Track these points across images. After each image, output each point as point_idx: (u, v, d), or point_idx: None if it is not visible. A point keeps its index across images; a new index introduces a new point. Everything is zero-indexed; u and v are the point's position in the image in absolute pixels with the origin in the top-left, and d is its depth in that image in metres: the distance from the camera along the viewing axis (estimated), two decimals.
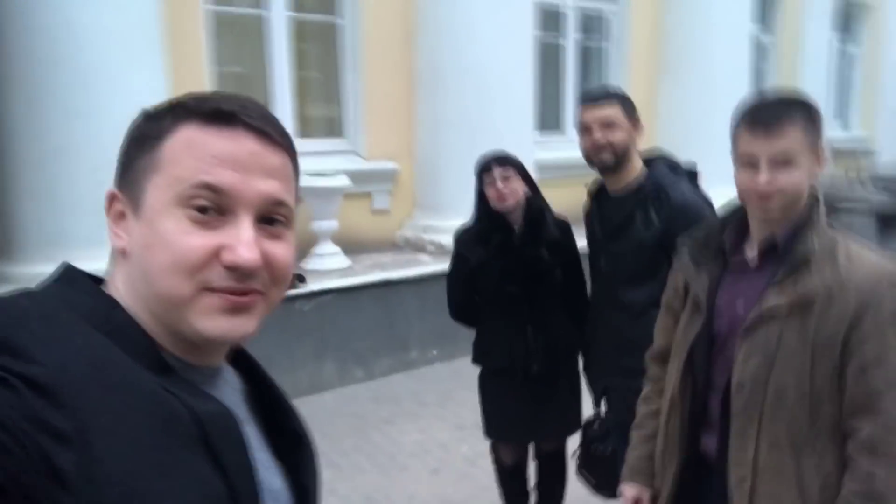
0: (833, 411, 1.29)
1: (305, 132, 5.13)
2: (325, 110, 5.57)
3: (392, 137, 5.32)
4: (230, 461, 0.61)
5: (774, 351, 1.31)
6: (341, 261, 4.56)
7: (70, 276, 0.65)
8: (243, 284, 0.62)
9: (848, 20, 9.74)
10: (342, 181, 4.42)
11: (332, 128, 5.40)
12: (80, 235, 3.39)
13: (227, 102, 0.64)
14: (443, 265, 4.70)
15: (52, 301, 0.60)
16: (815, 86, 8.31)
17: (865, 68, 9.99)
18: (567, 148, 6.41)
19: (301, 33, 5.19)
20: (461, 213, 4.86)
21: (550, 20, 6.38)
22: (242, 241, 0.61)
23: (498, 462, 2.58)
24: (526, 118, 5.28)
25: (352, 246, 4.76)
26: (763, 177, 1.29)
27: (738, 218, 1.46)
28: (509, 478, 2.58)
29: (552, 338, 2.33)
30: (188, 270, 0.61)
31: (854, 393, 1.26)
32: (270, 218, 0.65)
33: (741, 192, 1.36)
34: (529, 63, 5.29)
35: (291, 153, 0.69)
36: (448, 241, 4.83)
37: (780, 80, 8.51)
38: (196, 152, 0.62)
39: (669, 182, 2.01)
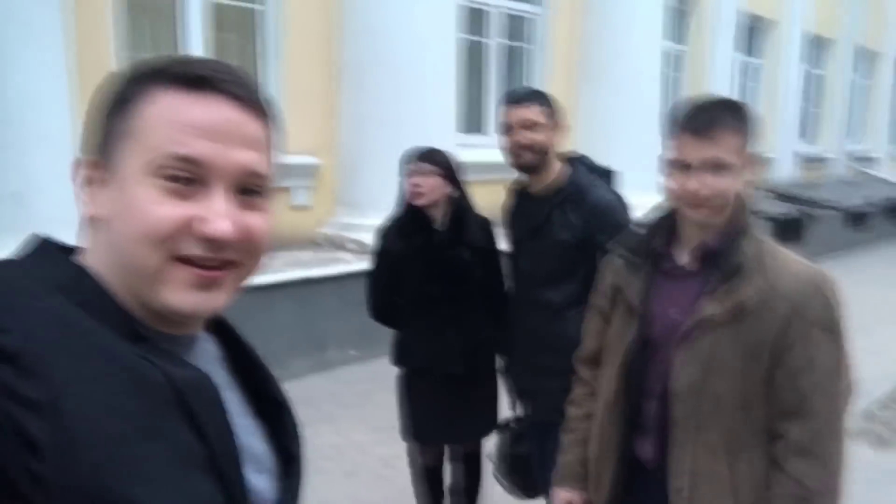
0: (763, 416, 1.30)
1: None
2: None
3: (314, 131, 5.17)
4: (208, 425, 0.59)
5: (710, 359, 1.31)
6: None
7: (39, 247, 0.63)
8: (216, 255, 0.61)
9: (751, 34, 10.31)
10: None
11: None
12: None
13: (206, 67, 0.62)
14: (363, 264, 4.63)
15: (19, 270, 0.58)
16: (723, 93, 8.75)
17: (767, 81, 10.61)
18: (489, 149, 6.48)
19: (218, 19, 4.97)
20: (383, 212, 4.80)
21: (474, 20, 6.41)
22: (217, 213, 0.60)
23: (414, 464, 2.55)
24: (448, 118, 5.28)
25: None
26: (694, 181, 1.29)
27: (668, 222, 1.46)
28: (426, 479, 2.56)
29: (472, 338, 2.31)
30: (157, 241, 0.59)
31: (783, 397, 1.28)
32: (247, 188, 0.63)
33: (672, 196, 1.36)
34: (453, 62, 5.29)
35: (271, 120, 0.67)
36: (369, 239, 4.78)
37: (691, 90, 8.91)
38: (171, 120, 0.59)
39: (588, 183, 2.04)
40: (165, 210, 0.59)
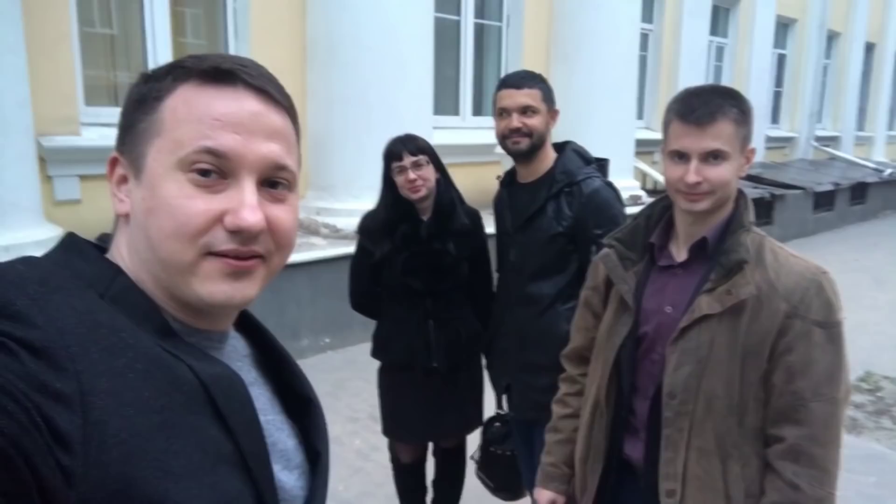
0: (757, 418, 1.27)
1: None
2: None
3: None
4: (236, 421, 0.60)
5: (706, 358, 1.27)
6: None
7: (71, 244, 0.64)
8: (246, 247, 0.62)
9: (717, 13, 10.32)
10: None
11: None
12: None
13: (226, 61, 0.63)
14: (337, 249, 4.56)
15: (51, 267, 0.59)
16: (693, 76, 8.77)
17: (734, 61, 10.66)
18: (463, 130, 6.39)
19: None
20: (356, 195, 4.70)
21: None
22: (246, 205, 0.61)
23: (395, 460, 2.49)
24: (425, 99, 5.15)
25: None
26: (693, 171, 1.25)
27: (664, 215, 1.42)
28: (407, 475, 2.50)
29: (455, 333, 2.24)
30: (191, 235, 0.60)
31: (779, 400, 1.24)
32: (273, 181, 0.65)
33: (669, 186, 1.32)
34: (429, 40, 5.16)
35: (292, 114, 0.68)
36: (343, 224, 4.68)
37: (661, 71, 8.91)
38: (197, 113, 0.61)
39: (581, 172, 1.97)
40: (197, 205, 0.60)
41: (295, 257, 4.30)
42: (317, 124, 5.02)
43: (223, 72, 0.62)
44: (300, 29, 5.00)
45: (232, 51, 4.93)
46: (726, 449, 1.27)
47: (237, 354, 0.72)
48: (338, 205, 4.77)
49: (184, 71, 0.63)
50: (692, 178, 1.25)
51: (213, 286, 0.62)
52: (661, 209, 1.44)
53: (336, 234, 4.69)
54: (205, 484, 0.56)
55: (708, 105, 1.25)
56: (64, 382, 0.50)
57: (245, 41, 4.89)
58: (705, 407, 1.28)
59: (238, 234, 0.61)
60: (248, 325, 0.77)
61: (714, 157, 1.25)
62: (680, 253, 1.37)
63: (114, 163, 0.65)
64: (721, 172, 1.26)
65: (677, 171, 1.28)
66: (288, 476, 0.70)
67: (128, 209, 0.64)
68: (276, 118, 0.65)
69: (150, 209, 0.61)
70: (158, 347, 0.58)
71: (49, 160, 3.93)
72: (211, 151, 0.60)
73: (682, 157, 1.28)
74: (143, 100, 0.63)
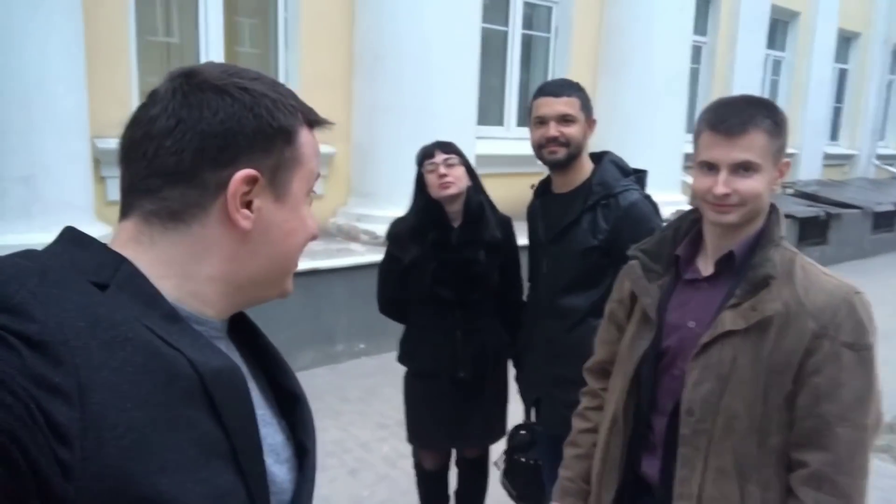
0: (781, 440, 1.22)
1: None
2: None
3: (328, 119, 5.10)
4: (232, 416, 0.61)
5: (727, 375, 1.23)
6: None
7: (74, 236, 0.64)
8: None
9: (776, 27, 10.04)
10: None
11: None
12: None
13: (313, 110, 0.74)
14: (375, 256, 4.58)
15: (52, 259, 0.60)
16: (748, 90, 8.53)
17: (792, 75, 10.34)
18: (507, 141, 6.37)
19: (235, 4, 4.92)
20: (396, 203, 4.71)
21: (495, 9, 6.28)
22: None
23: (419, 466, 2.49)
24: (469, 108, 5.16)
25: None
26: (721, 182, 1.21)
27: (692, 228, 1.38)
28: (430, 483, 2.49)
29: (482, 343, 2.23)
30: (307, 244, 0.75)
31: (804, 424, 1.19)
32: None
33: (698, 197, 1.28)
34: (475, 51, 5.17)
35: None
36: (382, 231, 4.70)
37: (714, 84, 8.71)
38: (315, 152, 0.73)
39: (618, 185, 1.92)
40: (312, 221, 0.74)
41: (333, 262, 4.36)
42: (360, 132, 5.09)
43: (316, 121, 0.74)
44: (347, 39, 5.09)
45: (282, 60, 5.05)
46: (746, 471, 1.22)
47: (232, 348, 0.73)
48: (378, 212, 4.81)
49: (301, 113, 0.72)
50: (720, 189, 1.22)
51: (290, 283, 0.75)
52: (690, 222, 1.40)
53: (375, 241, 4.73)
54: (200, 478, 0.57)
55: (739, 115, 1.22)
56: (62, 376, 0.50)
57: (295, 51, 4.99)
58: (725, 426, 1.23)
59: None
60: (237, 320, 0.77)
61: (744, 168, 1.21)
62: (706, 267, 1.33)
63: (254, 181, 0.66)
64: (751, 185, 1.22)
65: (706, 182, 1.25)
66: (279, 469, 0.71)
67: (252, 227, 0.67)
68: None
69: (293, 230, 0.71)
70: (158, 340, 0.58)
71: (103, 161, 4.08)
72: (318, 176, 0.76)
73: (711, 167, 1.24)
74: (287, 131, 0.69)
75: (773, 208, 1.31)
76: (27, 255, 0.59)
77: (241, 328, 0.78)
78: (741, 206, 1.23)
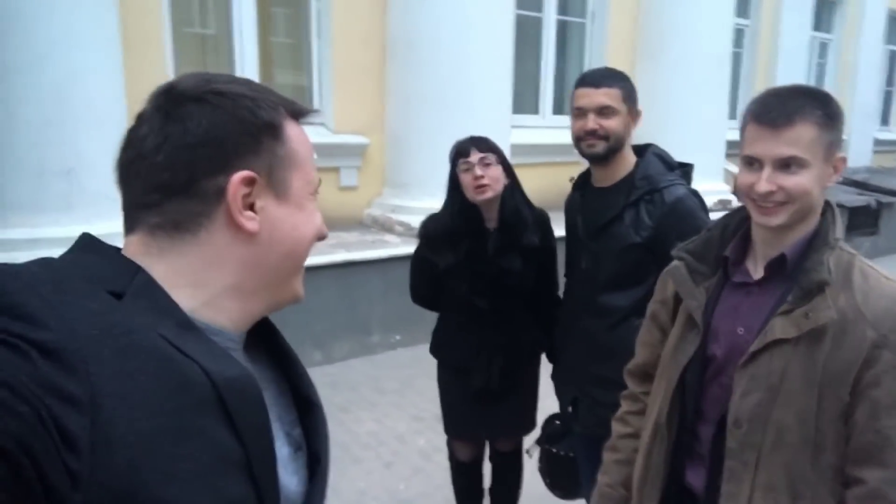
0: (836, 456, 1.14)
1: None
2: (292, 78, 5.31)
3: (362, 110, 5.08)
4: (246, 425, 0.61)
5: (777, 386, 1.16)
6: None
7: (89, 244, 0.65)
8: None
9: (822, 7, 9.66)
10: None
11: (300, 97, 5.11)
12: None
13: (292, 102, 0.72)
14: (410, 247, 4.54)
15: (67, 267, 0.60)
16: (793, 74, 8.25)
17: (840, 58, 9.95)
18: (542, 130, 6.26)
19: None
20: (432, 194, 4.68)
21: None
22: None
23: (453, 458, 2.46)
24: (503, 97, 5.07)
25: None
26: (765, 179, 1.13)
27: (742, 227, 1.30)
28: (464, 475, 2.47)
29: (515, 342, 2.19)
30: (316, 241, 0.74)
31: (861, 438, 1.12)
32: None
33: (742, 195, 1.21)
34: (509, 38, 5.08)
35: None
36: (417, 222, 4.67)
37: (758, 68, 8.43)
38: (308, 148, 0.72)
39: (663, 179, 1.84)
40: (319, 217, 0.74)
41: (368, 254, 4.35)
42: (395, 122, 5.05)
43: (301, 111, 0.72)
44: (380, 28, 5.04)
45: (315, 51, 5.03)
46: (797, 488, 1.15)
47: (246, 359, 0.73)
48: (413, 203, 4.78)
49: (279, 103, 0.70)
50: (763, 186, 1.14)
51: (301, 286, 0.75)
52: (739, 220, 1.32)
53: (410, 232, 4.70)
54: (211, 488, 0.57)
55: (786, 106, 1.13)
56: (75, 385, 0.50)
57: (327, 41, 4.97)
58: (775, 440, 1.16)
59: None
60: (259, 327, 0.77)
61: (790, 164, 1.13)
62: (756, 269, 1.25)
63: (249, 182, 0.65)
64: (798, 182, 1.13)
65: (749, 179, 1.17)
66: (290, 479, 0.71)
67: (258, 228, 0.67)
68: None
69: (298, 226, 0.70)
70: (171, 348, 0.58)
71: None
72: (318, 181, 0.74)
73: (754, 162, 1.16)
74: (272, 127, 0.68)
75: (828, 207, 1.22)
76: (42, 263, 0.59)
77: (262, 332, 0.77)
78: (788, 205, 1.15)
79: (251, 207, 0.66)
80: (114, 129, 3.61)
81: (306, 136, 0.72)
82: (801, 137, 1.12)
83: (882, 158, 10.80)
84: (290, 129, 0.70)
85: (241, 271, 0.67)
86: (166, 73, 4.32)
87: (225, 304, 0.67)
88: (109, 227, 3.52)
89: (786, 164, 1.13)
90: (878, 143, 10.63)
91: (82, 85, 3.39)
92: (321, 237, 0.74)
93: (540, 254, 2.16)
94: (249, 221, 0.66)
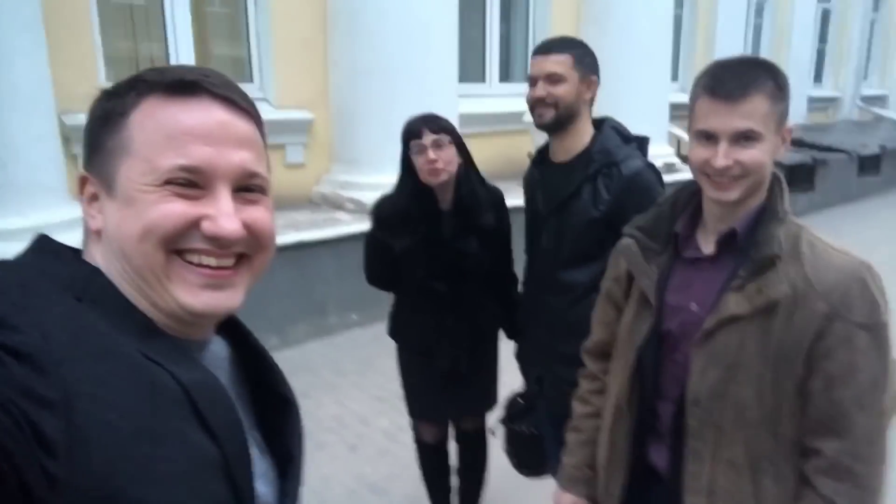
0: (794, 429, 1.16)
1: None
2: (229, 50, 5.09)
3: (305, 83, 4.92)
4: (219, 426, 0.60)
5: (734, 363, 1.16)
6: None
7: (46, 246, 0.64)
8: (223, 250, 0.64)
9: None
10: None
11: (238, 70, 4.94)
12: None
13: (189, 72, 0.64)
14: (362, 225, 4.47)
15: (28, 270, 0.59)
16: (732, 34, 8.38)
17: (776, 17, 10.16)
18: (489, 98, 6.21)
19: None
20: (381, 169, 4.62)
21: None
22: (223, 213, 0.62)
23: (419, 440, 2.46)
24: (450, 66, 4.98)
25: None
26: (722, 154, 1.12)
27: (691, 202, 1.30)
28: (430, 456, 2.47)
29: (474, 322, 2.18)
30: (164, 236, 0.61)
31: (819, 409, 1.13)
32: (247, 187, 0.66)
33: (695, 170, 1.19)
34: (454, 4, 4.97)
35: (258, 120, 0.69)
36: (368, 198, 4.59)
37: (698, 30, 8.54)
38: (166, 129, 0.61)
39: (620, 152, 1.83)
40: (173, 207, 0.61)
41: (320, 234, 4.27)
42: (340, 96, 4.92)
43: (187, 83, 0.62)
44: None
45: (252, 21, 4.84)
46: (759, 463, 1.17)
47: (216, 359, 0.72)
48: (363, 179, 4.69)
49: (146, 85, 0.63)
50: (721, 161, 1.12)
51: (195, 296, 0.63)
52: (689, 194, 1.31)
53: (361, 209, 4.62)
54: (190, 489, 0.57)
55: (740, 78, 1.12)
56: (48, 387, 0.49)
57: (265, 11, 4.78)
58: (735, 417, 1.17)
59: (215, 241, 0.63)
60: (227, 323, 0.76)
61: (746, 137, 1.12)
62: (707, 244, 1.25)
63: (83, 181, 0.66)
64: (754, 155, 1.12)
65: (704, 154, 1.15)
66: (260, 485, 0.70)
67: (101, 225, 0.64)
68: (243, 126, 0.65)
69: (124, 218, 0.62)
70: (138, 353, 0.57)
71: (73, 138, 3.91)
72: (185, 168, 0.61)
73: (709, 137, 1.14)
74: (107, 117, 0.63)
75: (776, 179, 1.22)
76: (2, 267, 0.59)
77: (232, 334, 0.76)
78: (743, 179, 1.14)
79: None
80: (42, 115, 3.41)
81: (175, 114, 0.62)
82: (756, 110, 1.11)
83: (816, 116, 11.16)
84: (141, 112, 0.62)
85: (115, 273, 0.64)
86: (95, 50, 4.09)
87: (141, 303, 0.64)
88: (45, 217, 3.35)
89: (743, 138, 1.12)
90: (812, 100, 10.96)
91: (4, 70, 3.17)
92: (157, 234, 0.61)
93: (496, 234, 2.14)
94: (91, 219, 0.66)
